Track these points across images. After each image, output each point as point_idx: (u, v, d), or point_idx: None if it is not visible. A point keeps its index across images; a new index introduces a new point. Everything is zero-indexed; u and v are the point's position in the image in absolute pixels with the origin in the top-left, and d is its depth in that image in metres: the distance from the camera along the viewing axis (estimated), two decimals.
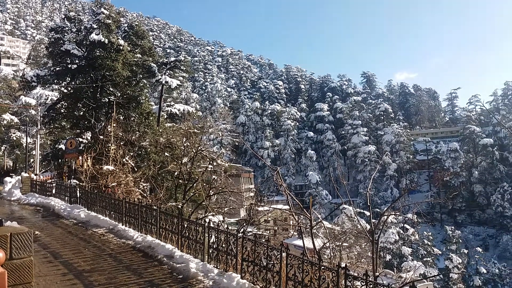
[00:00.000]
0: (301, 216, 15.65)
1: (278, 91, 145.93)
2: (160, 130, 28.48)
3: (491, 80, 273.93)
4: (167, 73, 34.69)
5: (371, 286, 5.27)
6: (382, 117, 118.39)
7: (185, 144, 23.13)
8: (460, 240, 63.27)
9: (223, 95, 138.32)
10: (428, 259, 55.49)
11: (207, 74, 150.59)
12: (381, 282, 5.40)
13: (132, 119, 29.59)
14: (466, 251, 62.04)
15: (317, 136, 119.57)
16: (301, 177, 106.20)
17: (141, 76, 32.27)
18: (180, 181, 22.35)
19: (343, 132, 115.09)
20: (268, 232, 30.40)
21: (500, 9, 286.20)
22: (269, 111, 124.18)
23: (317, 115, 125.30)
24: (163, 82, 33.88)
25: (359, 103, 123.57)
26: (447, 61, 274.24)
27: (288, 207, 14.89)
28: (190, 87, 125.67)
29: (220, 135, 64.23)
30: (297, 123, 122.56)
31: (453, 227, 67.47)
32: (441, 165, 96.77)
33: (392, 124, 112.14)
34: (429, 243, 58.75)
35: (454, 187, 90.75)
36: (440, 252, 59.98)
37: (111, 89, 30.63)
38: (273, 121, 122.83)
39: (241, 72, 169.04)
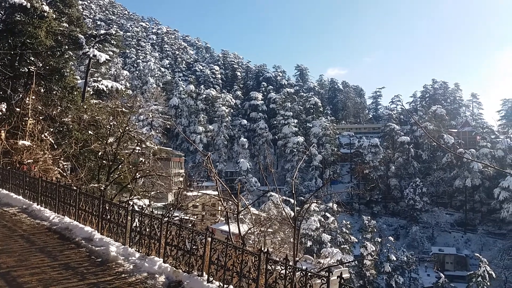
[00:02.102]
0: (229, 202, 15.81)
1: (214, 76, 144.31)
2: (85, 107, 26.85)
3: (417, 80, 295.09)
4: (95, 46, 32.63)
5: (290, 270, 5.47)
6: (312, 110, 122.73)
7: (111, 123, 22.13)
8: (375, 230, 67.56)
9: (156, 75, 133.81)
10: (346, 246, 59.05)
11: (140, 51, 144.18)
12: (300, 266, 5.62)
13: (54, 92, 27.52)
14: (379, 240, 66.53)
15: (250, 124, 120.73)
16: (233, 164, 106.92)
17: (66, 47, 29.96)
18: (104, 161, 21.40)
19: (275, 122, 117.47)
20: (196, 217, 30.35)
21: (429, 13, 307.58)
22: (204, 96, 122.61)
23: (251, 104, 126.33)
24: (91, 55, 31.86)
25: (292, 95, 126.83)
26: (377, 61, 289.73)
27: (217, 193, 14.96)
28: (121, 64, 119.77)
29: (151, 116, 61.99)
30: (232, 110, 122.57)
31: (369, 217, 71.62)
32: (362, 159, 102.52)
33: (320, 118, 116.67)
34: (347, 231, 62.38)
35: (372, 180, 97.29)
36: (357, 240, 63.94)
37: (32, 59, 28.18)
38: (207, 106, 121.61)
39: (177, 52, 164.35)
